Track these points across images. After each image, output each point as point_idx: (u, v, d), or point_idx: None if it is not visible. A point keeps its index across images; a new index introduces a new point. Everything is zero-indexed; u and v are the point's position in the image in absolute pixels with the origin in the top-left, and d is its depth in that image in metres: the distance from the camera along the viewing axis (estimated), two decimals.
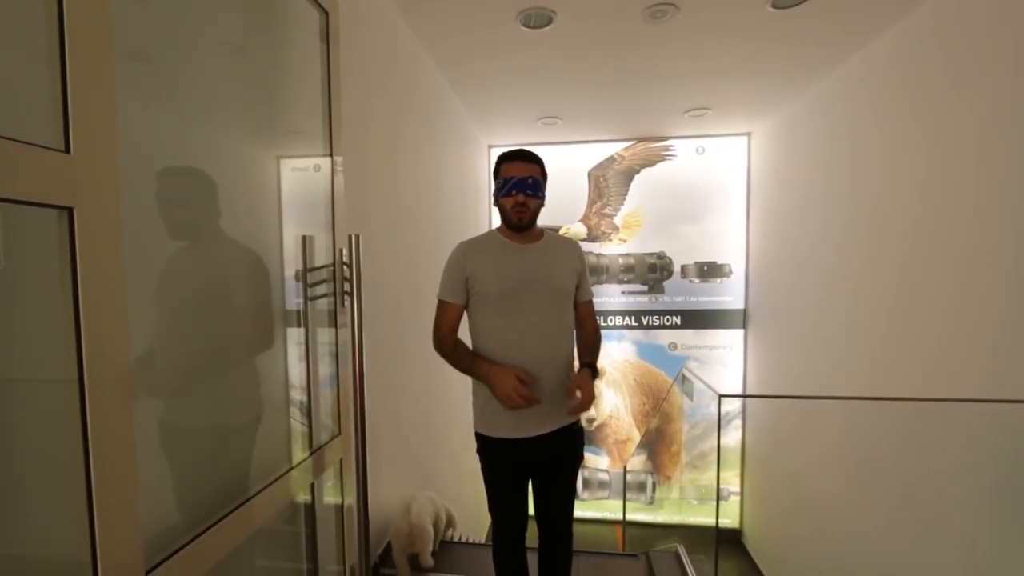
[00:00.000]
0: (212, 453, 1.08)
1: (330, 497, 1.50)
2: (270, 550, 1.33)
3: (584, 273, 1.63)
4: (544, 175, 1.55)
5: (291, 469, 1.22)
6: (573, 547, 1.69)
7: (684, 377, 3.51)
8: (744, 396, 4.85)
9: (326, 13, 1.35)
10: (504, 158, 1.52)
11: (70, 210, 0.65)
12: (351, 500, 1.50)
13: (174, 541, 0.87)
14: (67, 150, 0.65)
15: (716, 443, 5.01)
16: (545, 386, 1.50)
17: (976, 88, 2.13)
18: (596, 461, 5.29)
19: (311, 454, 1.31)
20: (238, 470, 1.12)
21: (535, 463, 1.57)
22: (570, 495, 1.64)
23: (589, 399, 1.46)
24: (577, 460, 1.64)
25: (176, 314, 0.99)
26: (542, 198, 1.53)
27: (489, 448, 1.55)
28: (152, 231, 0.90)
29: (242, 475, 1.11)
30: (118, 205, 0.70)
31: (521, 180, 1.46)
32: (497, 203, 1.52)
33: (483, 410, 1.56)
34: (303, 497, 1.37)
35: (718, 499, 2.23)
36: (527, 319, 1.49)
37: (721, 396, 1.68)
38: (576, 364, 1.62)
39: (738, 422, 4.98)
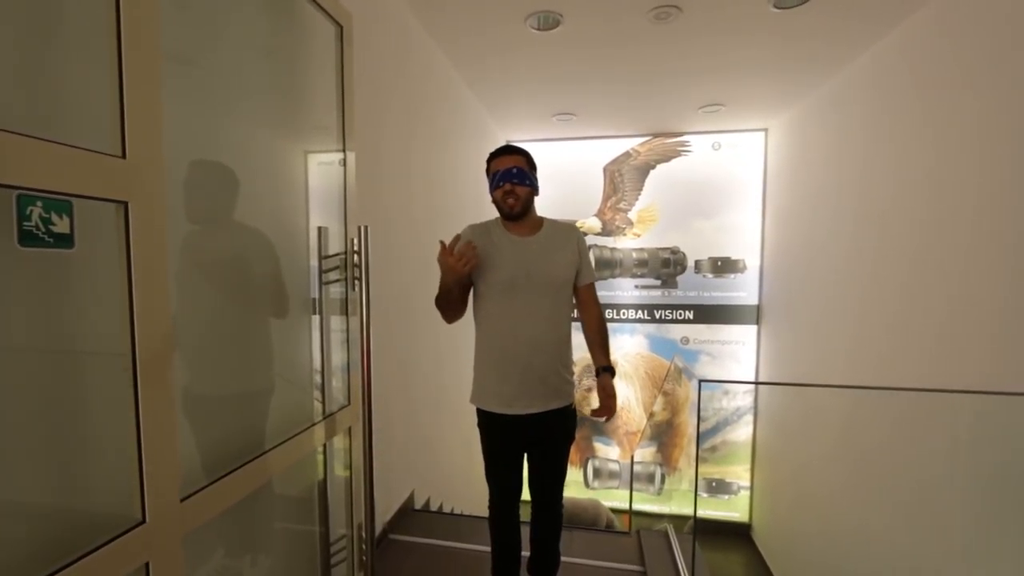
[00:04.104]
0: (236, 413, 1.25)
1: (341, 464, 1.67)
2: (288, 508, 1.52)
3: (584, 259, 1.70)
4: (531, 165, 1.64)
5: (304, 430, 1.39)
6: (562, 519, 1.82)
7: (676, 365, 3.61)
8: (723, 381, 4.89)
9: (340, 26, 1.51)
10: (491, 156, 1.64)
11: (125, 204, 0.81)
12: (360, 464, 1.67)
13: (203, 479, 1.04)
14: (123, 155, 0.81)
15: (728, 438, 5.08)
16: (538, 368, 1.61)
17: (983, 83, 2.15)
18: (606, 451, 5.41)
19: (323, 419, 1.48)
20: (257, 429, 1.29)
21: (527, 439, 1.69)
22: (559, 472, 1.76)
23: (612, 402, 1.63)
24: (567, 440, 1.75)
25: (202, 294, 1.16)
26: (530, 186, 1.61)
27: (484, 421, 1.69)
28: (185, 221, 1.07)
29: (260, 433, 1.29)
30: (163, 198, 0.87)
31: (506, 171, 1.57)
32: (492, 199, 1.64)
33: (480, 385, 1.69)
34: (316, 458, 1.54)
35: (696, 487, 2.33)
36: (522, 306, 1.60)
37: (701, 381, 1.77)
38: (575, 355, 1.73)
39: (749, 417, 5.02)
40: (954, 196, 2.34)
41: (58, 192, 0.72)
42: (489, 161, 1.64)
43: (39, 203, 0.70)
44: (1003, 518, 2.10)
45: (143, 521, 0.87)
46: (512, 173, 1.57)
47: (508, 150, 1.62)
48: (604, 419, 1.67)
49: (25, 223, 0.69)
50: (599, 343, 1.72)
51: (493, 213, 1.69)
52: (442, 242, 1.49)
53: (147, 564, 0.88)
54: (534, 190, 1.64)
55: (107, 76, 0.81)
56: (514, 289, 1.59)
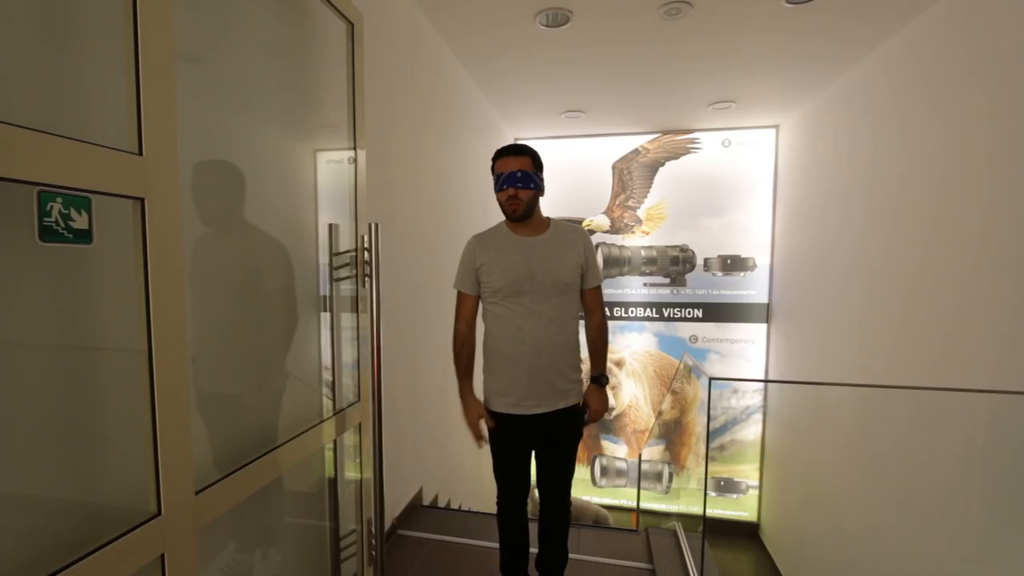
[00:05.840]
0: (248, 409, 1.27)
1: (351, 460, 1.68)
2: (298, 502, 1.53)
3: (591, 262, 1.68)
4: (536, 165, 1.62)
5: (314, 426, 1.40)
6: (570, 516, 1.82)
7: (687, 363, 3.60)
8: (734, 380, 4.86)
9: (351, 24, 1.51)
10: (496, 155, 1.61)
11: (142, 200, 0.82)
12: (369, 460, 1.68)
13: (216, 473, 1.06)
14: (140, 152, 0.82)
15: (736, 437, 5.05)
16: (544, 370, 1.61)
17: (994, 81, 2.12)
18: (614, 449, 5.40)
19: (334, 415, 1.49)
20: (269, 424, 1.31)
21: (535, 438, 1.70)
22: (567, 470, 1.76)
23: (599, 413, 1.72)
24: (575, 439, 1.75)
25: (215, 291, 1.17)
26: (536, 188, 1.59)
27: (493, 420, 1.70)
28: (197, 218, 1.08)
29: (271, 429, 1.30)
30: (179, 195, 0.88)
31: (511, 174, 1.55)
32: (497, 199, 1.63)
33: (489, 386, 1.71)
34: (326, 454, 1.56)
35: (706, 486, 2.32)
36: (529, 308, 1.59)
37: (712, 379, 1.77)
38: (581, 349, 1.73)
39: (758, 416, 4.99)
40: (965, 193, 2.31)
41: (77, 188, 0.73)
42: (494, 161, 1.62)
43: (59, 199, 0.71)
44: (1017, 519, 2.07)
45: (159, 514, 0.88)
46: (516, 177, 1.55)
47: (513, 150, 1.59)
48: (590, 424, 1.75)
49: (45, 219, 0.70)
50: (597, 351, 1.75)
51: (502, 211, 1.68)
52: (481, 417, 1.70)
53: (163, 556, 0.89)
54: (539, 191, 1.62)
55: (124, 75, 0.82)
56: (519, 291, 1.59)
